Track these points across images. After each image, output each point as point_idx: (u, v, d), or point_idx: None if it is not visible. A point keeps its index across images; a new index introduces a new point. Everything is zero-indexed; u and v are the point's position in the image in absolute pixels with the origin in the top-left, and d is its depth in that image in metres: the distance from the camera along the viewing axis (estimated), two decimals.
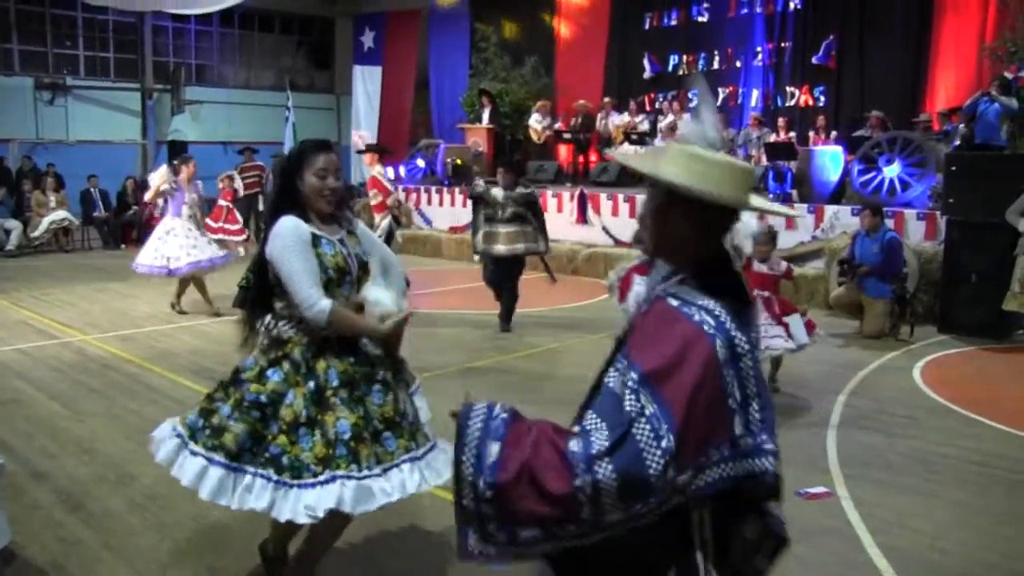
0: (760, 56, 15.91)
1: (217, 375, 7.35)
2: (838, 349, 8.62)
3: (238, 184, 14.49)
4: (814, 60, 15.11)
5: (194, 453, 3.21)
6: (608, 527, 1.68)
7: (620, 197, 13.59)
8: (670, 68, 17.19)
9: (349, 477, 3.05)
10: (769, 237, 6.79)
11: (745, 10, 16.06)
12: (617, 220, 13.54)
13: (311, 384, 3.17)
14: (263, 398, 3.17)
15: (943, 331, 9.20)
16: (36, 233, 16.04)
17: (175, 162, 9.98)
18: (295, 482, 3.06)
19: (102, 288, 11.61)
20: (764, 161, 13.87)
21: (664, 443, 1.63)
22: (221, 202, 13.55)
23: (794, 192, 12.42)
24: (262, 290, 3.32)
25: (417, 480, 3.19)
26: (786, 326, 6.46)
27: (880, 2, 14.41)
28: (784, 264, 6.85)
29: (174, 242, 9.46)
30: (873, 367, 7.82)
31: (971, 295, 9.05)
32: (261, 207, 17.19)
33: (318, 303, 3.09)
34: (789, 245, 11.45)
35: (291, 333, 3.24)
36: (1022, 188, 8.67)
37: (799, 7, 15.36)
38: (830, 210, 11.40)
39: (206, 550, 4.07)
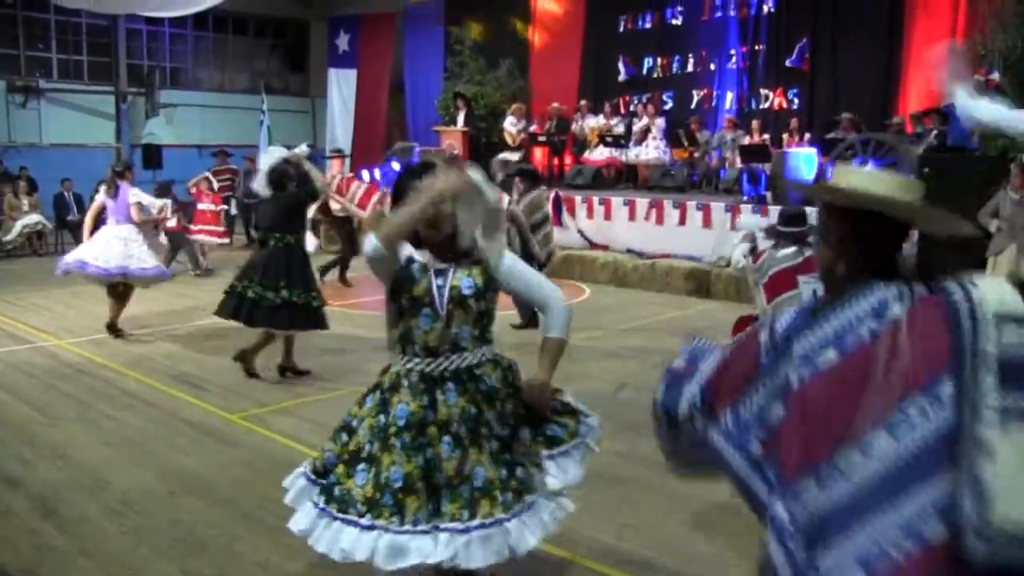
0: (734, 59, 16.00)
1: (193, 380, 7.36)
2: None
3: (214, 186, 14.48)
4: (787, 63, 15.21)
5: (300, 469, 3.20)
6: None
7: (595, 200, 13.64)
8: (644, 71, 17.24)
9: (387, 529, 2.83)
10: None
11: (719, 13, 16.13)
12: (592, 223, 13.59)
13: (381, 418, 2.99)
14: (353, 422, 3.08)
15: None
16: (9, 237, 15.88)
17: (117, 168, 9.56)
18: (339, 515, 2.89)
19: (76, 292, 11.51)
20: (738, 163, 13.97)
21: None
22: (206, 206, 13.71)
23: (768, 194, 12.50)
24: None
25: (450, 554, 2.82)
26: None
27: (852, 5, 14.53)
28: None
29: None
30: None
31: None
32: (234, 211, 17.11)
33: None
34: (764, 247, 11.53)
35: (390, 362, 3.12)
36: (993, 190, 8.78)
37: (772, 10, 15.46)
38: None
39: (182, 555, 4.05)
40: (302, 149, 7.70)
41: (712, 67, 16.31)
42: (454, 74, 18.65)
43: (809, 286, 5.32)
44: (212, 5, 17.32)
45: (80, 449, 5.54)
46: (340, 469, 2.98)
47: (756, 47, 15.71)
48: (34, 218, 16.16)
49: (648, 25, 17.16)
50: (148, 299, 9.99)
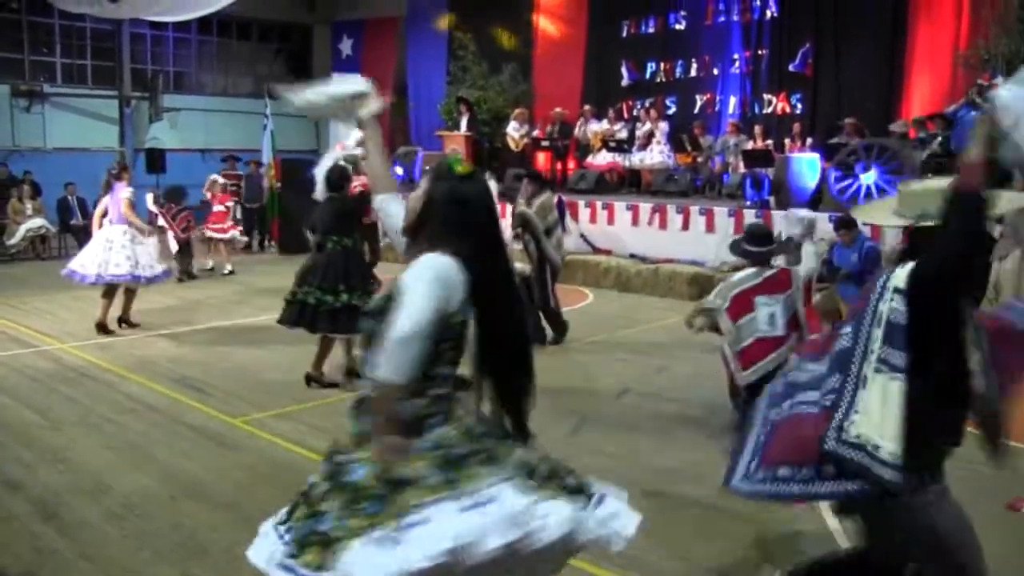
0: (737, 63, 16.00)
1: (195, 384, 7.37)
2: None
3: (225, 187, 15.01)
4: (791, 68, 15.20)
5: None
6: None
7: (598, 204, 13.63)
8: (648, 75, 17.24)
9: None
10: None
11: (722, 18, 16.14)
12: (595, 227, 13.58)
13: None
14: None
15: None
16: (12, 241, 15.89)
17: (113, 171, 9.67)
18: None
19: (79, 296, 11.51)
20: (741, 168, 13.96)
21: None
22: (219, 207, 14.38)
23: (772, 199, 12.49)
24: None
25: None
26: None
27: (855, 10, 14.53)
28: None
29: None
30: None
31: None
32: (238, 215, 17.17)
33: None
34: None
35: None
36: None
37: (776, 15, 15.45)
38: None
39: (183, 559, 4.05)
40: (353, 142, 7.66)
41: (715, 72, 16.32)
42: (457, 78, 18.67)
43: (767, 308, 5.35)
44: (216, 9, 17.36)
45: (81, 453, 5.54)
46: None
47: (759, 52, 15.71)
48: (37, 222, 16.17)
49: (651, 30, 17.16)
50: (148, 300, 10.01)
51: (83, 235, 17.00)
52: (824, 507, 4.69)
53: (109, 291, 9.28)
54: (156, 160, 18.70)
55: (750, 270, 5.61)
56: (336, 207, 7.10)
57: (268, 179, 17.32)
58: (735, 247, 5.88)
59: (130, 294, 9.50)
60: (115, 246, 9.09)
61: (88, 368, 7.79)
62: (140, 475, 5.16)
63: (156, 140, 20.09)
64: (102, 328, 9.22)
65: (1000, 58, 10.94)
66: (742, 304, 5.45)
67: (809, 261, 6.19)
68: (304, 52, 23.43)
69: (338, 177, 7.16)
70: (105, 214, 9.34)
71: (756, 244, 5.68)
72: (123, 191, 9.25)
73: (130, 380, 7.36)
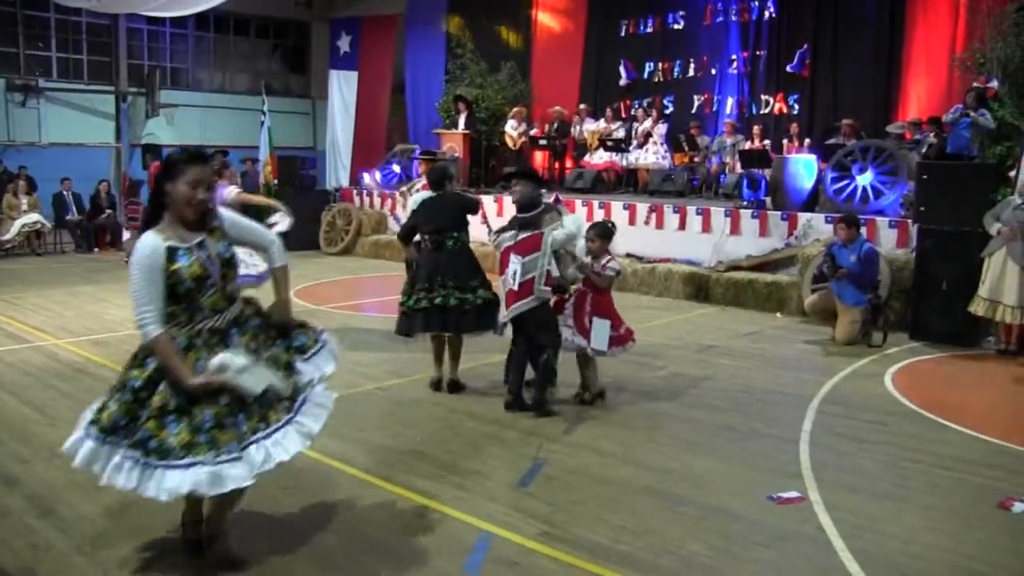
0: (735, 64, 16.03)
1: None
2: (811, 356, 8.70)
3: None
4: (788, 68, 15.24)
5: (82, 433, 3.62)
6: None
7: (595, 203, 13.65)
8: (646, 75, 17.28)
9: (204, 463, 3.42)
10: (598, 234, 6.67)
11: (720, 18, 16.17)
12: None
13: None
14: (138, 383, 3.61)
15: (914, 338, 9.30)
16: (7, 236, 15.87)
17: (214, 164, 9.41)
18: (160, 463, 3.44)
19: (75, 292, 11.52)
20: (738, 168, 13.99)
21: None
22: None
23: (768, 199, 12.52)
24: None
25: (261, 458, 3.53)
26: (587, 327, 6.46)
27: (853, 12, 14.58)
28: (611, 267, 6.56)
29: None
30: (845, 373, 7.89)
31: (942, 303, 9.15)
32: None
33: (147, 326, 3.52)
34: (763, 252, 11.55)
35: (170, 328, 3.59)
36: (996, 198, 8.85)
37: (774, 16, 15.50)
38: (803, 217, 11.50)
39: (180, 555, 4.05)
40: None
41: (713, 72, 16.36)
42: (455, 77, 18.67)
43: (518, 263, 6.29)
44: (213, 5, 17.31)
45: None
46: (151, 424, 3.49)
47: (757, 52, 15.76)
48: (33, 217, 16.15)
49: (650, 30, 17.19)
50: None
51: (78, 230, 17.04)
52: (820, 507, 4.72)
53: None
54: (153, 156, 18.70)
55: (511, 232, 6.47)
56: (452, 204, 6.97)
57: (265, 175, 17.30)
58: (513, 220, 6.63)
59: None
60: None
61: (84, 364, 7.79)
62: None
63: (152, 136, 20.06)
64: None
65: (996, 62, 10.96)
66: (504, 259, 6.42)
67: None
68: (302, 49, 23.39)
69: (441, 176, 7.08)
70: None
71: (525, 211, 6.48)
72: (230, 192, 8.97)
73: None
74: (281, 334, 3.93)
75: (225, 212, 3.83)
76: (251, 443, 3.54)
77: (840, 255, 9.13)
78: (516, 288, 6.30)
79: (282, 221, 8.48)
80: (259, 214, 7.72)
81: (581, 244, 6.59)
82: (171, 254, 3.53)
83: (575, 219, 6.72)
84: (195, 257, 3.57)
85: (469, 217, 7.04)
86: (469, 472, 5.22)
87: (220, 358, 3.51)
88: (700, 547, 4.23)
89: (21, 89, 18.36)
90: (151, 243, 3.52)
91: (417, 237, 7.03)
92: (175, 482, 3.41)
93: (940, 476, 5.31)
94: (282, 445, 3.60)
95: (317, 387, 3.85)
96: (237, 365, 3.51)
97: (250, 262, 8.98)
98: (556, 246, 6.33)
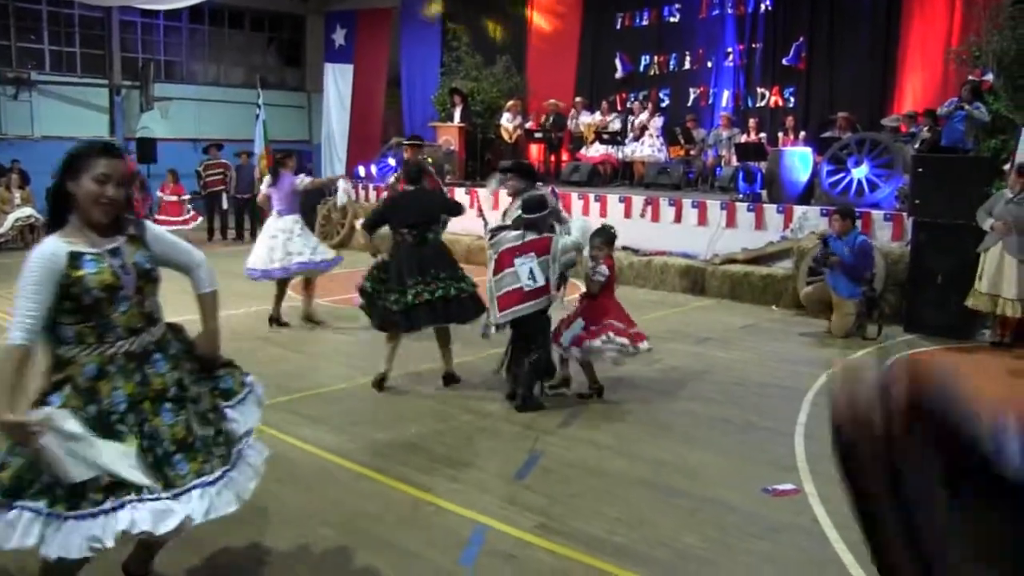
0: (731, 57, 16.01)
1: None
2: (807, 348, 8.70)
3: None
4: (784, 61, 15.22)
5: None
6: None
7: (591, 196, 13.63)
8: (641, 68, 17.24)
9: (141, 500, 2.94)
10: (604, 241, 6.67)
11: (716, 11, 16.14)
12: (588, 219, 13.54)
13: (91, 409, 2.98)
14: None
15: (909, 330, 9.30)
16: (1, 230, 15.81)
17: (279, 156, 9.42)
18: (71, 513, 2.90)
19: None
20: (734, 161, 13.98)
21: None
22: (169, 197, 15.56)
23: (764, 192, 12.51)
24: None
25: (205, 507, 3.06)
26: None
27: (849, 5, 14.56)
28: (599, 272, 6.54)
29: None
30: None
31: (936, 296, 9.16)
32: (225, 205, 17.16)
33: (13, 331, 2.90)
34: (759, 245, 11.55)
35: (74, 352, 3.03)
36: (991, 191, 8.85)
37: (770, 8, 15.47)
38: (799, 210, 11.49)
39: (174, 550, 4.03)
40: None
41: (709, 65, 16.32)
42: (451, 70, 18.63)
43: (525, 265, 6.21)
44: None
45: None
46: None
47: (753, 45, 15.73)
48: (26, 211, 16.08)
49: (645, 22, 17.15)
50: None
51: None
52: (815, 499, 4.72)
53: (283, 284, 9.00)
54: (147, 149, 18.66)
55: (515, 232, 6.40)
56: (431, 199, 7.12)
57: (260, 169, 17.25)
58: (517, 221, 6.55)
59: (310, 285, 9.16)
60: (293, 236, 8.79)
61: None
62: None
63: (147, 129, 20.01)
64: (277, 322, 8.97)
65: (991, 55, 10.96)
66: (504, 261, 6.31)
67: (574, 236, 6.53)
68: (297, 42, 23.37)
69: (418, 172, 7.21)
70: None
71: (532, 212, 6.42)
72: (302, 180, 9.02)
73: None
74: (205, 369, 3.40)
75: (151, 224, 3.34)
76: (193, 487, 3.05)
77: (834, 246, 9.14)
78: (528, 289, 6.24)
79: (348, 190, 9.53)
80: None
81: (586, 252, 6.60)
82: (74, 260, 2.97)
83: (582, 226, 6.67)
84: (106, 264, 3.01)
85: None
86: (464, 465, 5.22)
87: (47, 411, 2.87)
88: (695, 539, 4.22)
89: (13, 82, 18.29)
90: (51, 247, 2.98)
91: (385, 229, 7.08)
92: (99, 530, 2.91)
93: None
94: (225, 496, 3.17)
95: (249, 442, 3.44)
96: (66, 430, 2.83)
97: (319, 249, 9.05)
98: (563, 253, 6.34)
